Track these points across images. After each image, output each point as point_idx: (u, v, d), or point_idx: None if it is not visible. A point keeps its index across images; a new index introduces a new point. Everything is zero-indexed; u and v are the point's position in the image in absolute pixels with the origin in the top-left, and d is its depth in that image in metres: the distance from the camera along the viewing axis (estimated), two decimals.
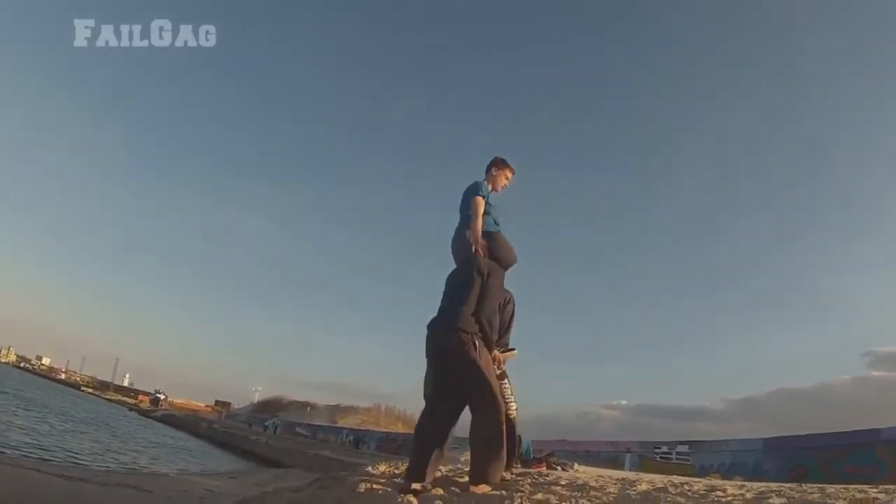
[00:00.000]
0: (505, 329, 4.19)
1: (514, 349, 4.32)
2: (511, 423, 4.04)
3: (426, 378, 3.76)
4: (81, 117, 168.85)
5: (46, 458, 11.98)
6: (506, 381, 4.24)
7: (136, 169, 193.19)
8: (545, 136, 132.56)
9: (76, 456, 14.07)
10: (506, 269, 4.18)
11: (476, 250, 4.08)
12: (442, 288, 4.09)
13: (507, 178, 4.74)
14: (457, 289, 3.83)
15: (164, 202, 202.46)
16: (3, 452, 10.90)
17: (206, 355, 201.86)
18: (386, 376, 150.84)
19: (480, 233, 4.19)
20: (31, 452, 12.27)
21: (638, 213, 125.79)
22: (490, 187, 4.57)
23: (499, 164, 4.72)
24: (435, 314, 3.87)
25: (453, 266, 4.33)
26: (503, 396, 3.94)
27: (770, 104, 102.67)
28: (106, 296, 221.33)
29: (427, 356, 3.73)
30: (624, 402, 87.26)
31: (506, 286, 4.27)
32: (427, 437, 3.58)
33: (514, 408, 4.20)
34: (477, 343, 3.53)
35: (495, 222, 4.46)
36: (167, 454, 22.78)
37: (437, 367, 3.67)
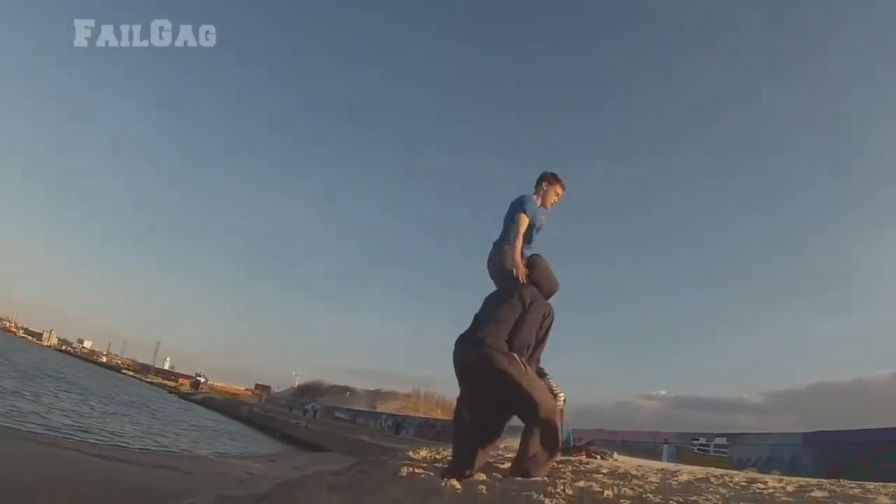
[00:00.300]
0: (538, 342, 3.97)
1: (545, 375, 4.15)
2: (559, 414, 3.94)
3: (461, 391, 3.63)
4: (125, 112, 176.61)
5: (87, 439, 12.42)
6: (547, 376, 4.13)
7: (175, 160, 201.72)
8: (567, 130, 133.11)
9: (117, 438, 14.59)
10: (547, 297, 3.98)
11: (517, 276, 3.92)
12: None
13: (558, 195, 4.59)
14: (493, 309, 3.64)
15: (204, 193, 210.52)
16: (43, 434, 11.33)
17: (247, 340, 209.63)
18: (425, 361, 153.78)
19: (519, 255, 4.04)
20: (72, 434, 12.76)
21: (669, 202, 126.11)
22: (539, 202, 4.43)
23: (549, 178, 4.54)
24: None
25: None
26: (552, 391, 3.89)
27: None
28: (147, 282, 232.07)
29: (455, 371, 3.59)
30: (663, 392, 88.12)
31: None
32: (464, 446, 3.51)
33: (562, 398, 4.10)
34: (513, 356, 3.34)
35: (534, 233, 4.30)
36: (207, 437, 23.55)
37: (465, 383, 3.55)
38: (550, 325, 4.00)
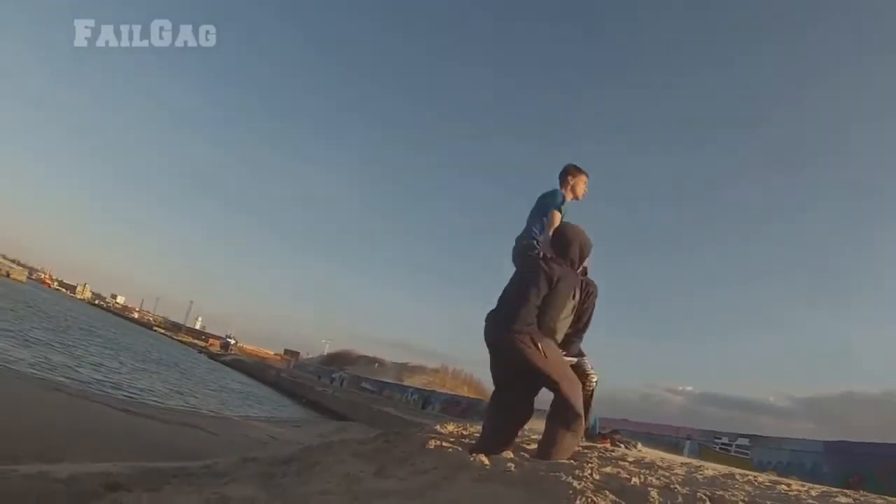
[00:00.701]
0: (578, 320, 3.88)
1: (584, 355, 4.10)
2: (589, 396, 3.98)
3: (491, 365, 3.69)
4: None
5: (116, 394, 12.93)
6: (585, 357, 4.09)
7: (215, 124, 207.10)
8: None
9: (146, 394, 15.15)
10: (580, 266, 3.87)
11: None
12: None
13: (586, 184, 4.57)
14: (519, 287, 3.60)
15: (245, 157, 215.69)
16: (73, 385, 11.80)
17: (279, 305, 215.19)
18: (454, 337, 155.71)
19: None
20: (102, 389, 13.26)
21: (715, 199, 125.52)
22: (570, 197, 4.42)
23: (573, 171, 4.53)
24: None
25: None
26: (584, 370, 3.94)
27: None
28: (184, 241, 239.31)
29: (486, 344, 3.64)
30: (689, 387, 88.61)
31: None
32: (494, 424, 3.64)
33: (594, 380, 4.08)
34: (535, 338, 3.31)
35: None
36: (235, 400, 24.37)
37: (494, 359, 3.63)
38: (594, 302, 3.97)
